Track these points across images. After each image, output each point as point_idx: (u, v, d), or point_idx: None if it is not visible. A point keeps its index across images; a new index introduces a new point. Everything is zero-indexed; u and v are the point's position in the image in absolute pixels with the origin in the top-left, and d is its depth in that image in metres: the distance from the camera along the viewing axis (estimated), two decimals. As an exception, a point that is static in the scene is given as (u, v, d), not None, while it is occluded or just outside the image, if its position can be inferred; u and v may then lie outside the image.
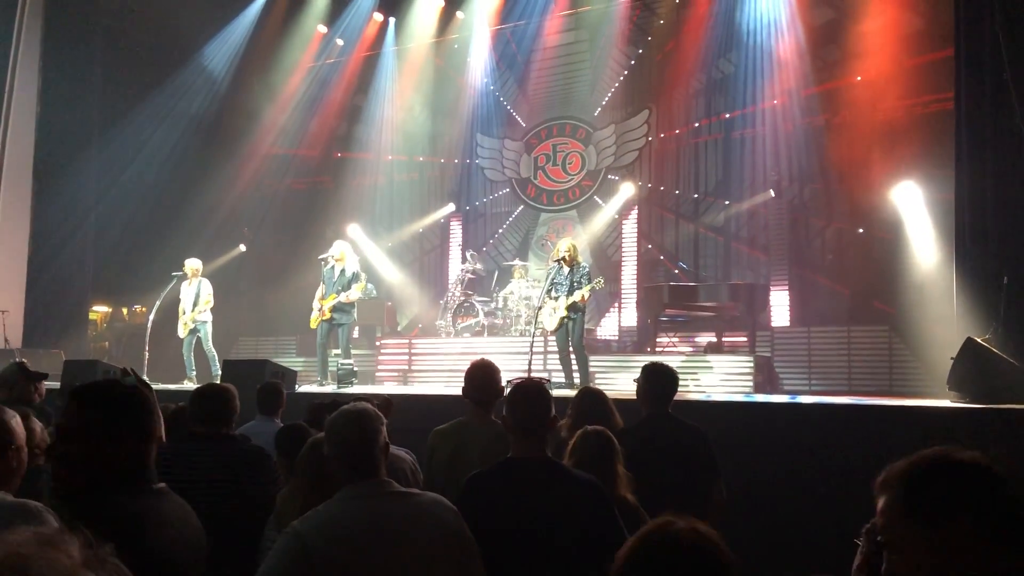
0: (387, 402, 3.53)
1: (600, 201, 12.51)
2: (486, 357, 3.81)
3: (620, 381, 8.57)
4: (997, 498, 1.20)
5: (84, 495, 1.80)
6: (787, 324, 10.38)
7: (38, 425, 2.97)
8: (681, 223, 11.93)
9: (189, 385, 9.01)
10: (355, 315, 9.23)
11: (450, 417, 3.70)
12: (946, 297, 7.44)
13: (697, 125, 11.95)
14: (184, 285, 9.55)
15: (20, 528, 0.87)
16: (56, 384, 6.22)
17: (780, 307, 10.58)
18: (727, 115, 11.51)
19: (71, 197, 11.85)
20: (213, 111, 12.94)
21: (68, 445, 1.85)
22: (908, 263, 8.93)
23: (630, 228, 12.19)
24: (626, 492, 2.99)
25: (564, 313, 7.94)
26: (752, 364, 8.66)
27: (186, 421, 3.53)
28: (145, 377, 8.30)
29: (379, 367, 10.89)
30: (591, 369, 8.50)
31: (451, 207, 13.68)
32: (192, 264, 9.56)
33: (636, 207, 12.17)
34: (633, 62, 12.38)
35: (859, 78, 10.02)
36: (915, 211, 9.09)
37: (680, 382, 4.05)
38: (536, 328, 8.34)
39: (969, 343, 6.01)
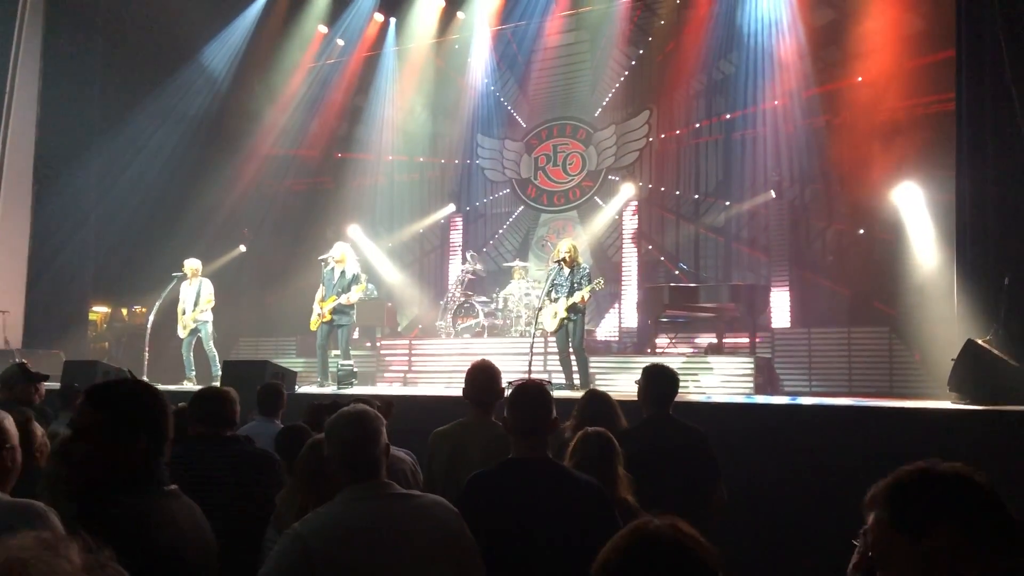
0: (388, 404, 3.52)
1: (600, 202, 12.51)
2: (486, 358, 3.80)
3: (620, 382, 8.57)
4: (978, 505, 1.23)
5: (90, 495, 1.80)
6: (788, 325, 10.38)
7: (39, 429, 2.97)
8: (682, 224, 11.93)
9: (189, 386, 9.01)
10: (354, 317, 9.23)
11: (450, 418, 3.70)
12: (947, 298, 7.44)
13: (698, 126, 11.95)
14: (184, 285, 9.56)
15: (21, 533, 0.87)
16: (56, 385, 6.21)
17: (781, 308, 10.58)
18: (728, 116, 11.50)
19: (71, 197, 11.86)
20: (213, 111, 12.95)
21: (77, 444, 1.85)
22: (909, 264, 8.93)
23: (630, 229, 12.19)
24: (626, 494, 2.99)
25: (564, 314, 7.95)
26: (752, 365, 8.66)
27: (187, 422, 3.52)
28: (145, 378, 8.31)
29: (379, 368, 10.90)
30: (591, 370, 8.50)
31: (451, 208, 13.68)
32: (192, 264, 9.57)
33: (636, 208, 12.17)
34: (634, 63, 12.38)
35: (860, 79, 10.01)
36: (916, 212, 9.08)
37: (680, 383, 4.05)
38: (536, 329, 8.34)
39: (970, 344, 6.01)
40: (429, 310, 12.75)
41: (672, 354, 9.87)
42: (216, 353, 9.50)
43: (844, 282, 10.30)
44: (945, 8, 8.16)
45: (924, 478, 1.29)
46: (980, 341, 6.04)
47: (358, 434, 2.17)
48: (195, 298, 9.45)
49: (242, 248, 13.34)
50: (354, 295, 8.73)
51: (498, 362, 3.80)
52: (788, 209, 10.86)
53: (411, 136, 13.69)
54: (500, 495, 2.52)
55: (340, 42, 13.44)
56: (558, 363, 8.36)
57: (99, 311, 15.06)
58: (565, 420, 3.59)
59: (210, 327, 9.49)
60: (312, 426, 3.41)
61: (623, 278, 12.12)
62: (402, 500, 2.18)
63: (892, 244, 9.33)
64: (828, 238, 10.76)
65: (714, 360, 9.02)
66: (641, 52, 12.30)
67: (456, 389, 4.94)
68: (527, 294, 10.67)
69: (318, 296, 8.97)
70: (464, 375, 3.67)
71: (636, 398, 3.98)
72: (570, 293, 7.91)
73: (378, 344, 11.55)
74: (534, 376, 7.71)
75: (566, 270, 8.00)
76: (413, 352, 10.90)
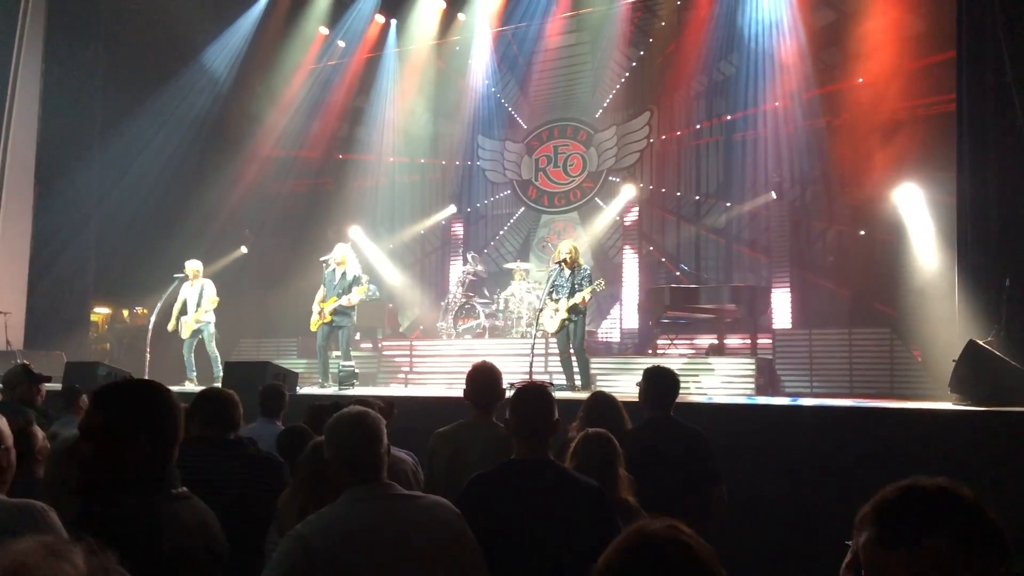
0: (390, 405, 3.52)
1: (601, 203, 12.51)
2: (487, 359, 3.81)
3: (621, 383, 8.56)
4: (965, 517, 1.25)
5: (92, 496, 1.80)
6: (788, 326, 10.38)
7: (40, 432, 2.97)
8: (682, 225, 11.93)
9: (190, 387, 9.02)
10: (355, 318, 9.23)
11: (451, 419, 3.71)
12: (947, 299, 7.44)
13: (698, 127, 11.95)
14: (186, 286, 9.57)
15: (24, 537, 0.87)
16: (58, 386, 6.22)
17: (781, 309, 10.57)
18: (728, 117, 11.51)
19: (73, 199, 11.87)
20: (215, 113, 12.96)
21: (83, 445, 1.85)
22: (910, 265, 8.92)
23: (631, 230, 12.19)
24: (627, 495, 2.99)
25: (565, 315, 7.95)
26: (753, 366, 8.66)
27: (189, 424, 3.52)
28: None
29: (381, 369, 10.90)
30: (592, 371, 8.50)
31: (452, 209, 13.68)
32: (193, 266, 9.57)
33: (637, 209, 12.17)
34: (634, 64, 12.39)
35: (860, 80, 10.01)
36: (917, 213, 9.08)
37: (681, 385, 4.06)
38: (537, 330, 8.34)
39: (971, 345, 6.00)
40: (430, 311, 12.76)
41: (673, 355, 9.88)
42: (218, 354, 9.50)
43: (845, 283, 10.30)
44: (946, 9, 8.17)
45: (910, 494, 1.30)
46: (981, 342, 6.03)
47: (359, 435, 2.17)
48: (197, 299, 9.45)
49: (243, 249, 13.34)
50: (355, 296, 8.73)
51: (499, 363, 3.81)
52: (789, 210, 10.86)
53: (412, 137, 13.70)
54: (500, 496, 2.52)
55: (341, 44, 13.45)
56: (559, 364, 8.36)
57: (100, 312, 15.08)
58: (567, 421, 3.59)
59: (213, 328, 9.50)
60: (313, 427, 3.41)
61: (624, 279, 12.12)
62: (404, 501, 2.18)
63: (893, 245, 9.33)
64: (829, 239, 10.76)
65: (715, 361, 9.02)
66: (642, 53, 12.30)
67: (457, 390, 4.94)
68: (528, 292, 10.68)
69: (318, 297, 8.97)
70: (465, 376, 3.68)
71: (637, 399, 3.98)
72: (571, 294, 7.91)
73: (379, 345, 11.56)
74: (535, 377, 7.72)
75: (567, 271, 8.00)
76: (414, 353, 10.90)
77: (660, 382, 3.90)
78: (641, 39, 12.27)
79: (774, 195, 10.85)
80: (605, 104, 12.67)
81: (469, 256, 12.00)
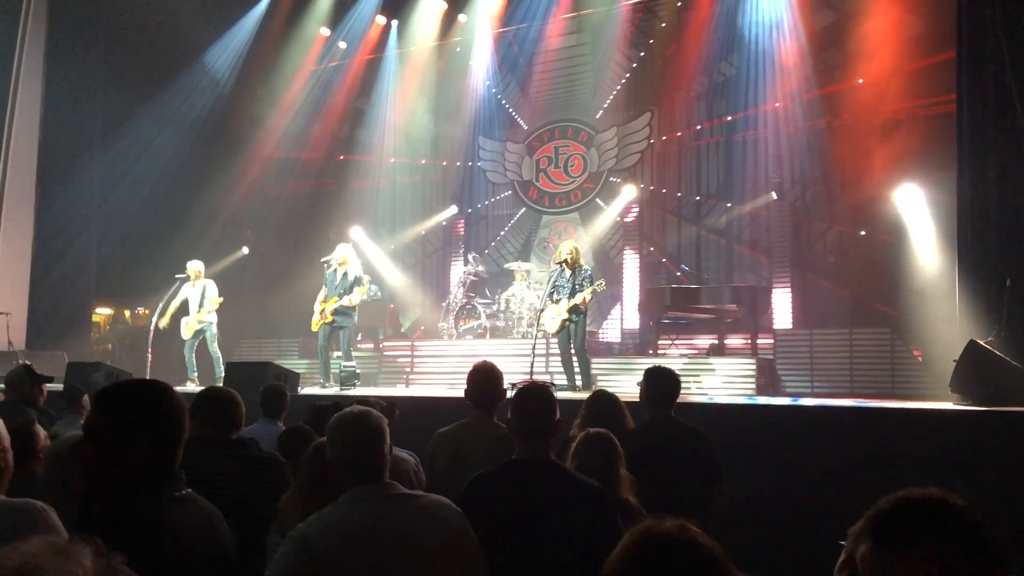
0: (391, 405, 3.52)
1: (602, 203, 12.52)
2: (488, 360, 3.81)
3: (622, 383, 8.56)
4: (959, 525, 1.28)
5: (93, 496, 1.80)
6: (789, 326, 10.39)
7: (42, 431, 2.99)
8: (683, 225, 11.94)
9: (191, 387, 9.02)
10: (356, 318, 9.24)
11: (452, 419, 3.71)
12: (948, 299, 7.44)
13: (699, 128, 11.96)
14: (188, 287, 9.58)
15: (33, 538, 0.87)
16: (59, 387, 6.23)
17: (782, 309, 10.58)
18: (729, 118, 11.51)
19: (74, 200, 11.89)
20: (216, 114, 12.97)
21: (86, 445, 1.85)
22: (910, 265, 8.93)
23: (632, 230, 12.19)
24: (628, 495, 3.00)
25: (566, 316, 7.95)
26: (754, 366, 8.67)
27: (190, 423, 3.51)
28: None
29: (382, 369, 10.91)
30: (593, 371, 8.51)
31: (453, 209, 13.69)
32: (194, 266, 9.58)
33: (638, 209, 12.17)
34: (635, 65, 12.39)
35: (861, 80, 10.01)
36: (917, 213, 9.08)
37: (682, 385, 4.06)
38: (538, 331, 8.35)
39: (972, 346, 6.01)
40: (431, 312, 12.77)
41: (674, 355, 9.88)
42: (220, 355, 9.51)
43: (845, 283, 10.30)
44: (946, 9, 8.17)
45: (903, 505, 1.33)
46: (982, 342, 6.04)
47: (360, 435, 2.18)
48: (199, 299, 9.46)
49: (245, 250, 13.36)
50: (356, 297, 8.74)
51: (500, 363, 3.81)
52: (789, 211, 10.87)
53: (413, 138, 13.72)
54: (502, 496, 2.53)
55: (342, 45, 13.46)
56: (560, 364, 8.36)
57: (102, 313, 15.08)
58: (568, 421, 3.59)
59: (215, 328, 9.51)
60: (314, 428, 3.42)
61: (624, 280, 12.12)
62: (405, 501, 2.19)
63: (893, 245, 9.33)
64: (829, 239, 10.77)
65: (716, 361, 9.02)
66: (642, 54, 12.31)
67: (458, 390, 4.94)
68: (529, 292, 10.68)
69: (320, 297, 8.98)
70: (466, 376, 3.68)
71: (638, 399, 3.99)
72: (572, 295, 7.92)
73: (381, 346, 11.57)
74: (536, 377, 7.73)
75: (568, 272, 8.00)
76: (415, 353, 10.91)
77: (661, 382, 3.90)
78: (642, 40, 12.28)
79: (775, 195, 10.86)
80: (606, 105, 12.67)
81: (470, 256, 12.00)
